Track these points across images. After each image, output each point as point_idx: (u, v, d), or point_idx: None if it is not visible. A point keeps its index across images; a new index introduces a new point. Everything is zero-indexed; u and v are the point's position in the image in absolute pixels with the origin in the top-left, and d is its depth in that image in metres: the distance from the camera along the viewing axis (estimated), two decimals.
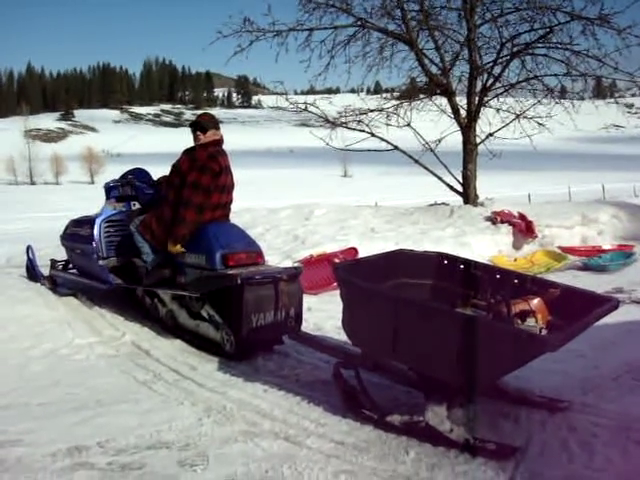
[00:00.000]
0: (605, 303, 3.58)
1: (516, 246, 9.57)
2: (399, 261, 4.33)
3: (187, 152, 5.69)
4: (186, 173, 5.51)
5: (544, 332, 3.44)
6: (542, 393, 3.98)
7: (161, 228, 5.62)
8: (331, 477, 3.09)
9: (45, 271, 7.54)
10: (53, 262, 7.51)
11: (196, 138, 5.66)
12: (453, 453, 3.29)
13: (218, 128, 5.76)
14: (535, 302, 3.66)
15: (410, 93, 12.90)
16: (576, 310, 3.46)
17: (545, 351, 3.06)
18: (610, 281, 7.63)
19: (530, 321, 3.54)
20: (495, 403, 3.84)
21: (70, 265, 7.34)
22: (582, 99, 12.52)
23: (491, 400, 3.85)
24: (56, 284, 7.21)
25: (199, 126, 5.65)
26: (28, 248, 7.83)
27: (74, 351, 5.36)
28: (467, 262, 4.35)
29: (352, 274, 3.90)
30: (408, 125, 12.31)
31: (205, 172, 5.43)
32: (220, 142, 5.72)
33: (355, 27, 11.95)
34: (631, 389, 4.16)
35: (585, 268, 8.65)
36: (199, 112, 6.54)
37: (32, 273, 7.64)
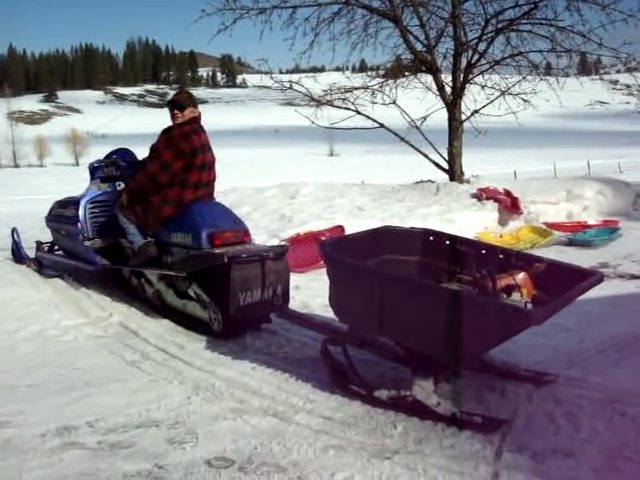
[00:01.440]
0: (589, 277, 3.61)
1: (502, 222, 9.59)
2: (385, 238, 4.34)
3: (164, 132, 5.64)
4: (160, 153, 5.52)
5: (529, 306, 3.46)
6: (528, 367, 4.01)
7: (144, 209, 5.62)
8: (320, 452, 3.12)
9: (31, 253, 7.52)
10: (39, 244, 7.48)
11: (174, 117, 5.61)
12: (440, 426, 3.33)
13: (196, 105, 5.70)
14: (520, 276, 3.68)
15: (395, 71, 12.84)
16: (561, 284, 3.47)
17: (530, 324, 3.09)
18: (595, 256, 7.68)
19: (515, 295, 3.56)
20: (481, 377, 3.88)
21: (56, 247, 7.32)
22: (567, 75, 12.52)
23: (477, 374, 3.89)
24: (42, 266, 7.20)
25: (176, 104, 5.60)
26: (13, 230, 7.81)
27: (62, 332, 5.36)
28: (452, 238, 4.37)
29: (338, 251, 3.91)
30: (393, 103, 12.26)
31: (170, 148, 5.44)
32: (197, 119, 5.66)
33: (339, 4, 11.83)
34: (616, 362, 4.21)
35: (570, 243, 8.70)
36: None
37: (18, 255, 7.62)
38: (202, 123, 5.75)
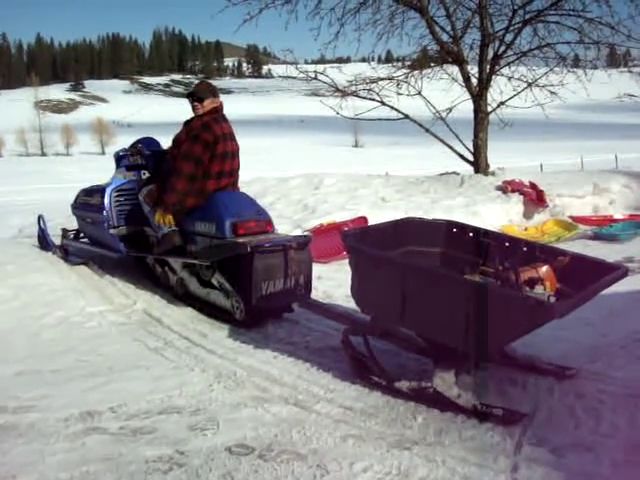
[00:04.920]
0: (614, 271, 3.58)
1: (527, 215, 9.54)
2: (408, 229, 4.33)
3: (186, 123, 5.72)
4: (182, 143, 5.55)
5: (552, 299, 3.44)
6: (550, 360, 3.99)
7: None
8: (339, 441, 3.13)
9: (57, 240, 7.58)
10: (64, 231, 7.54)
11: (194, 109, 5.63)
12: (460, 418, 3.33)
13: (216, 96, 5.70)
14: (543, 270, 3.66)
15: (421, 62, 12.78)
16: (585, 278, 3.45)
17: (552, 318, 3.07)
18: (621, 250, 7.62)
19: (538, 288, 3.54)
20: (503, 370, 3.87)
21: (81, 234, 7.38)
22: (595, 67, 12.39)
23: (499, 367, 3.88)
24: (68, 253, 7.25)
25: (195, 97, 5.62)
26: (39, 218, 7.86)
27: (86, 319, 5.42)
28: (476, 230, 4.35)
29: (360, 241, 3.92)
30: (419, 94, 12.21)
31: (197, 142, 5.42)
32: (218, 109, 5.66)
33: None
34: (639, 357, 4.16)
35: (596, 237, 8.63)
36: (209, 82, 6.45)
37: (44, 242, 7.68)
38: (227, 113, 5.77)
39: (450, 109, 12.13)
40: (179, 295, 5.89)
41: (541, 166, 31.58)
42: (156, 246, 5.86)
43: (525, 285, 3.53)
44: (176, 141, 5.71)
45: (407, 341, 3.99)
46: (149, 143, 6.65)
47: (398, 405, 3.54)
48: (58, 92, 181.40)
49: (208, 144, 5.41)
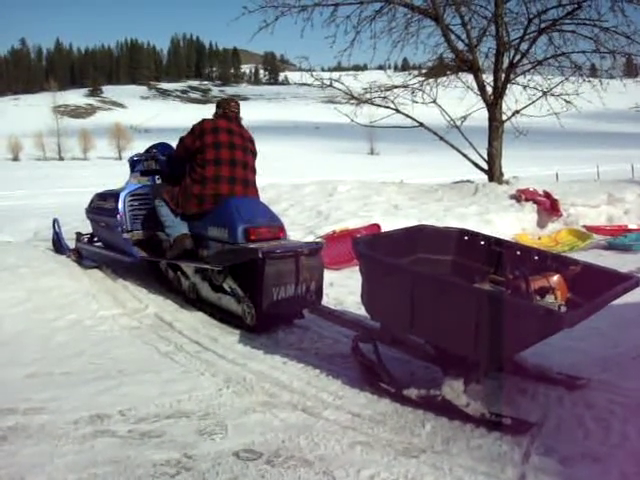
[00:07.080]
0: (625, 281, 3.56)
1: (540, 224, 9.52)
2: (419, 236, 4.33)
3: None
4: None
5: (563, 309, 3.43)
6: (560, 370, 3.96)
7: (178, 190, 5.86)
8: (347, 448, 3.12)
9: (71, 244, 7.63)
10: (78, 235, 7.60)
11: None
12: (469, 427, 3.30)
13: (219, 107, 6.05)
14: (555, 279, 3.64)
15: (436, 70, 12.80)
16: (596, 287, 3.43)
17: (562, 327, 3.05)
18: (635, 261, 7.55)
19: (549, 298, 3.52)
20: (512, 379, 3.85)
21: (95, 238, 7.42)
22: (611, 77, 12.36)
23: (509, 376, 3.86)
24: (81, 257, 7.30)
25: None
26: (54, 221, 7.93)
27: (98, 322, 5.45)
28: (487, 238, 4.34)
29: (371, 248, 3.92)
30: (434, 102, 12.23)
31: (189, 132, 5.90)
32: (222, 115, 5.98)
33: (381, 2, 11.87)
34: None
35: (610, 247, 8.60)
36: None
37: (58, 246, 7.74)
38: (244, 118, 5.97)
39: (465, 117, 12.15)
40: (191, 300, 5.92)
41: (557, 175, 31.50)
42: (169, 250, 5.89)
43: (536, 294, 3.52)
44: None
45: (416, 349, 3.98)
46: (164, 148, 6.70)
47: (406, 413, 3.53)
48: (76, 97, 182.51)
49: (193, 131, 5.83)
